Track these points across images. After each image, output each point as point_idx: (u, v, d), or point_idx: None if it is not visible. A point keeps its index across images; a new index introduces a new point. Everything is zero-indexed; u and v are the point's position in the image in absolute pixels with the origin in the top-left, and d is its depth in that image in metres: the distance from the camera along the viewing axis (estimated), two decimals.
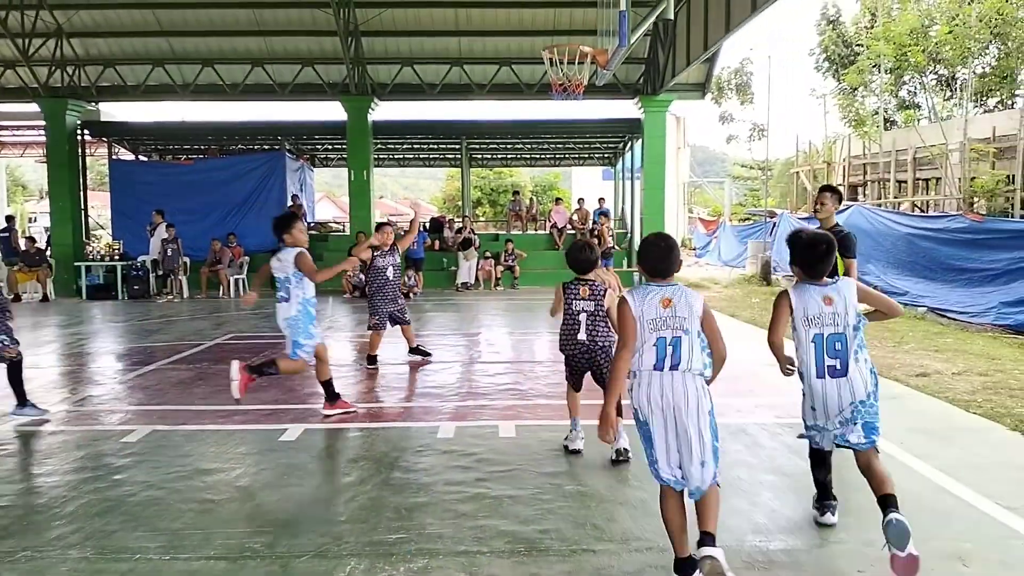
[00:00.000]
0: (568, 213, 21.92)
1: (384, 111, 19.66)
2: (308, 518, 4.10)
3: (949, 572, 3.50)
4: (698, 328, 3.37)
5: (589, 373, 5.26)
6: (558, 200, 23.87)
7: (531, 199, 24.63)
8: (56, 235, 18.68)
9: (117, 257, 17.52)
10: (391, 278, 8.30)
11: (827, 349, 3.77)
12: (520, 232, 22.40)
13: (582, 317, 5.15)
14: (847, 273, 5.61)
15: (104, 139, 21.40)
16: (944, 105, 28.59)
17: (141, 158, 22.89)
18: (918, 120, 27.05)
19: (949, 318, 11.98)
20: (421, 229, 18.90)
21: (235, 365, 5.75)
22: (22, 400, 6.34)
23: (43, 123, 19.03)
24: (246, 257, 18.17)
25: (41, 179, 30.18)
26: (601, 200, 21.60)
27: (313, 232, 21.33)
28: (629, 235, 21.07)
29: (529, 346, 10.09)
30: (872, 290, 3.98)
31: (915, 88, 29.48)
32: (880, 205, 23.22)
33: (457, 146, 24.06)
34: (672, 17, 10.07)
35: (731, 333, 10.95)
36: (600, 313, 5.13)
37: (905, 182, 24.77)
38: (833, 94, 30.67)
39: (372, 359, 8.41)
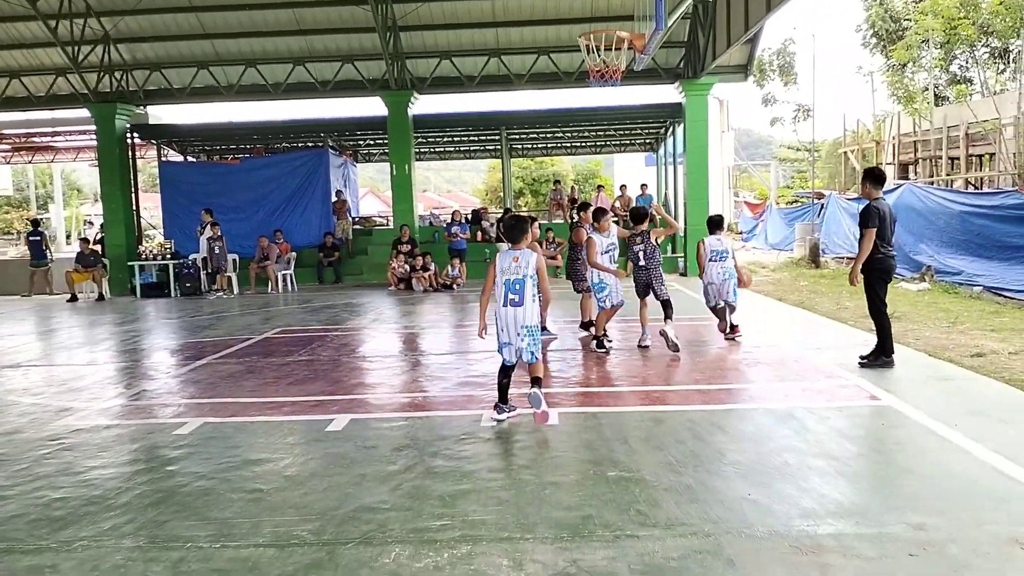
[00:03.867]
0: (610, 200, 21.78)
1: (424, 105, 19.80)
2: (354, 506, 4.16)
3: (1006, 556, 3.40)
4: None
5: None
6: (600, 188, 23.73)
7: (572, 187, 24.46)
8: (110, 236, 19.20)
9: (169, 256, 17.93)
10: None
11: None
12: (562, 221, 22.32)
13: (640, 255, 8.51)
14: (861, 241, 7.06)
15: (153, 141, 21.86)
16: (997, 79, 27.63)
17: (189, 159, 23.38)
18: (970, 95, 26.17)
19: (1006, 297, 11.61)
20: (463, 221, 18.97)
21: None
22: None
23: (94, 127, 19.56)
24: (293, 253, 18.46)
25: (95, 182, 31.05)
26: (644, 186, 21.36)
27: (357, 227, 21.59)
28: None
29: (572, 334, 10.03)
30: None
31: (966, 62, 28.54)
32: (932, 183, 22.58)
33: (497, 137, 24.07)
34: None
35: (778, 317, 10.82)
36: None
37: (958, 159, 24.02)
38: (881, 71, 29.87)
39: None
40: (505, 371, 5.80)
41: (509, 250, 5.80)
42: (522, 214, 6.43)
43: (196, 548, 3.69)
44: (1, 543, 3.85)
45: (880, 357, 7.18)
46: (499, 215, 20.65)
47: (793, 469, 4.52)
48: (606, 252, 8.58)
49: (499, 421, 5.72)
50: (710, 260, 9.19)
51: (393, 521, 3.94)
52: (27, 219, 21.12)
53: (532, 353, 5.63)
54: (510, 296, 5.62)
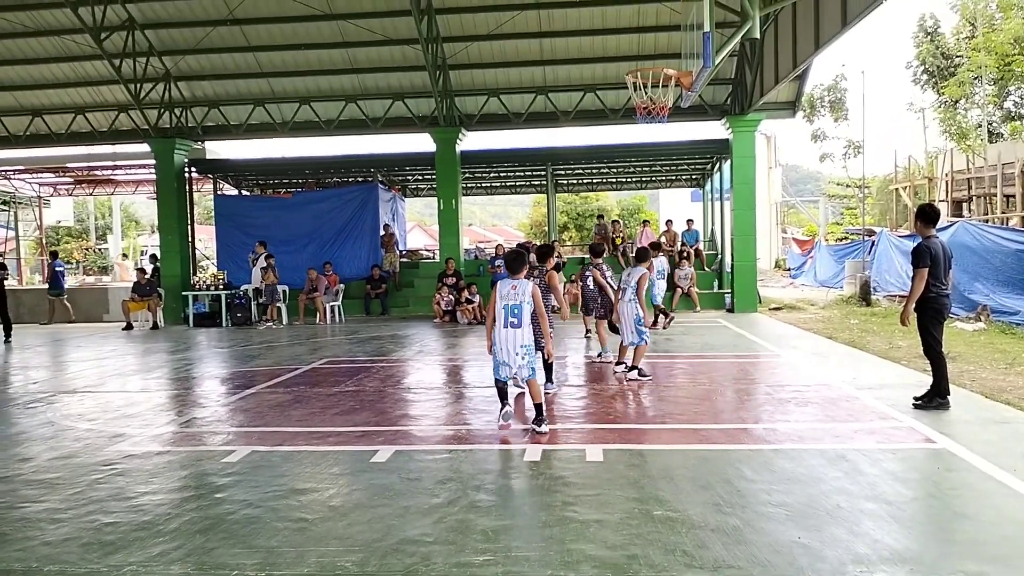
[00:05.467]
0: (655, 236, 21.69)
1: (471, 141, 20.05)
2: (397, 538, 4.17)
3: None
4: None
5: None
6: (645, 223, 23.66)
7: (614, 222, 24.31)
8: (166, 266, 19.73)
9: (221, 287, 18.35)
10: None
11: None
12: (607, 255, 22.26)
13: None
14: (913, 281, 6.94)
15: (209, 176, 22.53)
16: None
17: (244, 193, 23.98)
18: None
19: None
20: (501, 254, 19.10)
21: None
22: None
23: (153, 162, 20.23)
24: (341, 285, 18.74)
25: (152, 214, 32.03)
26: (690, 222, 21.25)
27: (404, 260, 21.84)
28: (719, 256, 20.67)
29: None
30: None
31: (1021, 99, 27.98)
32: (987, 221, 22.04)
33: (543, 172, 24.21)
34: (759, 36, 9.93)
35: (829, 356, 10.61)
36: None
37: (1013, 196, 23.44)
38: (933, 107, 29.44)
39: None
40: (501, 382, 6.72)
41: (508, 279, 6.66)
42: (521, 249, 7.23)
43: None
44: (54, 565, 3.94)
45: (935, 398, 7.00)
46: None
47: (845, 512, 4.41)
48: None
49: (504, 426, 6.60)
50: (658, 279, 11.80)
51: (436, 555, 3.93)
52: (75, 249, 22.05)
53: (532, 369, 6.60)
54: (510, 319, 6.50)
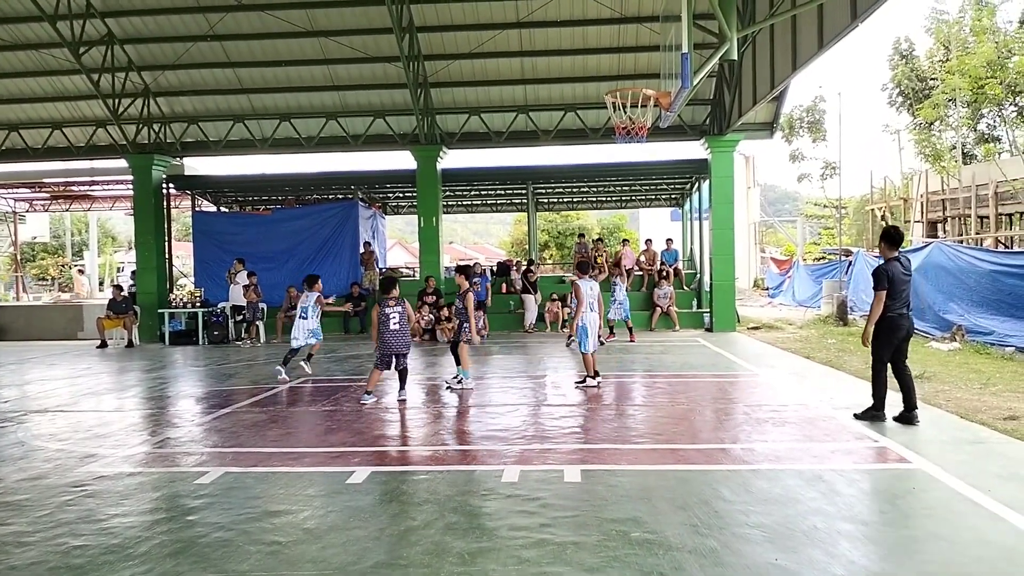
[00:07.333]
0: (635, 255, 21.78)
1: (452, 159, 20.09)
2: (372, 561, 4.11)
3: None
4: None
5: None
6: (625, 241, 23.74)
7: (596, 241, 24.32)
8: (142, 283, 19.51)
9: (198, 304, 18.17)
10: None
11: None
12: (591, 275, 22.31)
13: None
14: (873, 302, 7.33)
15: (188, 192, 22.37)
16: None
17: (222, 209, 23.82)
18: (999, 154, 26.05)
19: None
20: (483, 272, 19.08)
21: None
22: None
23: (131, 178, 20.06)
24: None
25: (129, 230, 31.75)
26: (669, 241, 21.35)
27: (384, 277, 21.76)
28: (698, 275, 20.78)
29: (595, 389, 9.95)
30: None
31: (994, 121, 28.46)
32: (961, 241, 22.35)
33: (524, 191, 24.28)
34: (736, 57, 10.03)
35: (806, 375, 10.66)
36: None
37: (987, 217, 23.81)
38: (908, 129, 29.86)
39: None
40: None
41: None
42: (392, 275, 8.60)
43: None
44: None
45: (870, 411, 7.47)
46: (524, 268, 20.77)
47: (821, 533, 4.41)
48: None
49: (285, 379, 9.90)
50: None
51: None
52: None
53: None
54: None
